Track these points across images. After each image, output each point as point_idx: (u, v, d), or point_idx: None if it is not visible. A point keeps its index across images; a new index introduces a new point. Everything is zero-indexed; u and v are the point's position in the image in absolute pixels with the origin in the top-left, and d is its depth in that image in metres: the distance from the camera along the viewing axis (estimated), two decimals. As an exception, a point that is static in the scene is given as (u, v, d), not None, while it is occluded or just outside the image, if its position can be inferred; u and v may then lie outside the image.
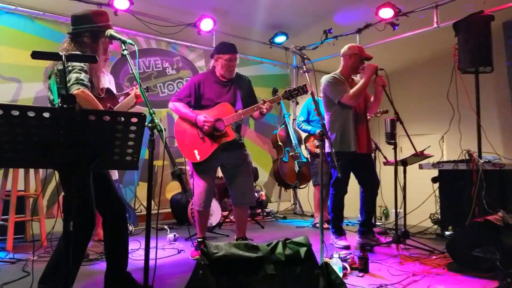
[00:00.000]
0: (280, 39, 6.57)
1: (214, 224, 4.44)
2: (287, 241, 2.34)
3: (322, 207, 3.07)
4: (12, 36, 4.73)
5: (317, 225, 5.18)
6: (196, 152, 3.35)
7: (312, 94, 3.00)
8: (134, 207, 5.39)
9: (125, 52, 2.18)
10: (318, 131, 2.94)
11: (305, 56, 3.07)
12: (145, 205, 5.45)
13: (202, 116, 3.29)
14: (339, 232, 3.97)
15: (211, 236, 4.44)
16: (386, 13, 5.63)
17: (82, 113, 1.54)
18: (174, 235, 4.20)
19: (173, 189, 5.70)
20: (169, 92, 5.84)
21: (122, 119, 1.57)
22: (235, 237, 3.69)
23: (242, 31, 6.45)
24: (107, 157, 1.71)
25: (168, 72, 5.93)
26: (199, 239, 3.59)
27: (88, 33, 2.46)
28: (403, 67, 8.16)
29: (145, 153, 5.72)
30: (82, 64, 2.31)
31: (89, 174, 2.27)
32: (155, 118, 1.96)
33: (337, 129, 3.88)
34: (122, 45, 2.20)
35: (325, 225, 4.87)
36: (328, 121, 3.97)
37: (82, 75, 2.26)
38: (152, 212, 5.48)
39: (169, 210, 5.47)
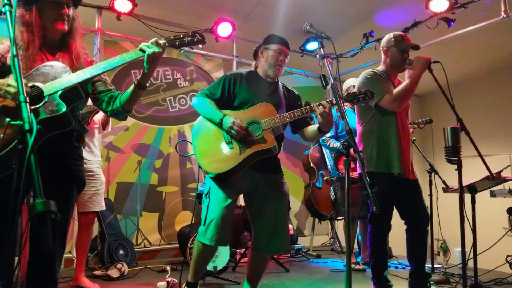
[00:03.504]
0: (312, 45, 5.69)
1: (220, 268, 3.48)
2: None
3: (350, 250, 2.08)
4: None
5: (356, 266, 4.16)
6: (218, 160, 2.45)
7: (333, 87, 2.06)
8: (136, 242, 4.56)
9: (6, 9, 1.35)
10: (342, 141, 1.97)
11: (323, 35, 2.16)
12: (150, 240, 4.65)
13: (231, 117, 2.43)
14: (382, 285, 2.90)
15: (217, 282, 3.50)
16: (439, 5, 4.64)
17: None
18: (168, 282, 3.30)
19: (183, 220, 4.83)
20: (180, 107, 5.06)
21: None
22: None
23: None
24: None
25: (180, 84, 5.16)
26: (190, 283, 2.65)
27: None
28: (463, 77, 7.05)
29: (150, 177, 5.05)
30: None
31: None
32: (26, 108, 1.09)
33: (374, 143, 2.89)
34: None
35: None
36: (361, 132, 2.99)
37: None
38: (159, 247, 4.70)
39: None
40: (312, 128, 2.63)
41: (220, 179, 2.49)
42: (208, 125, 2.56)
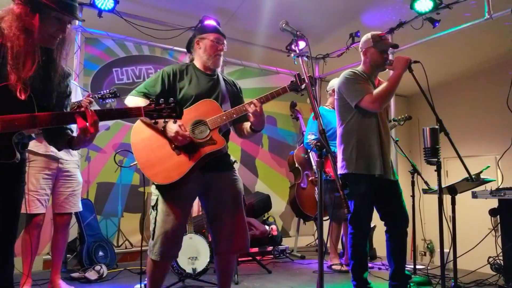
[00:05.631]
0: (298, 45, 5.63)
1: (199, 270, 3.43)
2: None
3: (321, 251, 2.05)
4: None
5: (334, 266, 4.19)
6: (167, 169, 2.23)
7: (307, 86, 2.02)
8: (117, 243, 4.49)
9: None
10: (315, 141, 1.94)
11: (298, 33, 2.12)
12: (131, 241, 4.58)
13: (175, 125, 2.22)
14: (362, 287, 2.87)
15: (197, 285, 3.45)
16: (424, 4, 4.62)
17: None
18: (145, 285, 3.23)
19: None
20: (164, 105, 4.99)
21: None
22: None
23: (253, 36, 5.60)
24: None
25: (163, 82, 5.09)
26: None
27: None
28: (449, 78, 7.09)
29: (132, 177, 4.97)
30: None
31: None
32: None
33: (353, 144, 2.85)
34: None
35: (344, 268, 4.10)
36: (341, 133, 2.96)
37: None
38: (140, 249, 4.62)
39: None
40: (246, 125, 2.50)
41: (169, 188, 2.28)
42: (149, 130, 2.33)
